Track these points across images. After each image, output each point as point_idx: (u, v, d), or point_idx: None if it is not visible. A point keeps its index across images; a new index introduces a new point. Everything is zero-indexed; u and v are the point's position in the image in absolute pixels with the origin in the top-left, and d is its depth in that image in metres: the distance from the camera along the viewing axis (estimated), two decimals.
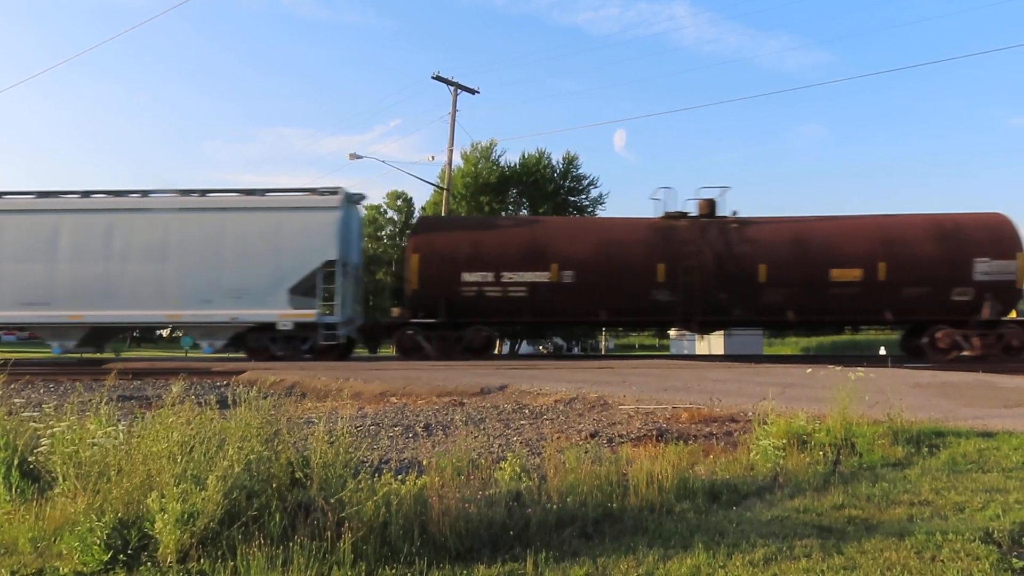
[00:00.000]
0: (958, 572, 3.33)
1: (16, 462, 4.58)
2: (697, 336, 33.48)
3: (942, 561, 3.48)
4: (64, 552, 3.66)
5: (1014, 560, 3.50)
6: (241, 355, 19.00)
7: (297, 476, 4.08)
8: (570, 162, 38.54)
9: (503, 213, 38.47)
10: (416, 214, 48.93)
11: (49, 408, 4.95)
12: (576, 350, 43.84)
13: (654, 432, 7.08)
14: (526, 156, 38.06)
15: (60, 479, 4.15)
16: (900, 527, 3.99)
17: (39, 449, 4.51)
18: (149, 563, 3.53)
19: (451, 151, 31.24)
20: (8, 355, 18.74)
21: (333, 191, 18.61)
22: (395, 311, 19.22)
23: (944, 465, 5.45)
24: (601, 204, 39.11)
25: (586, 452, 4.97)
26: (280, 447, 4.23)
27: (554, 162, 38.36)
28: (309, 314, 17.72)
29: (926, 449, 5.93)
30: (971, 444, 6.06)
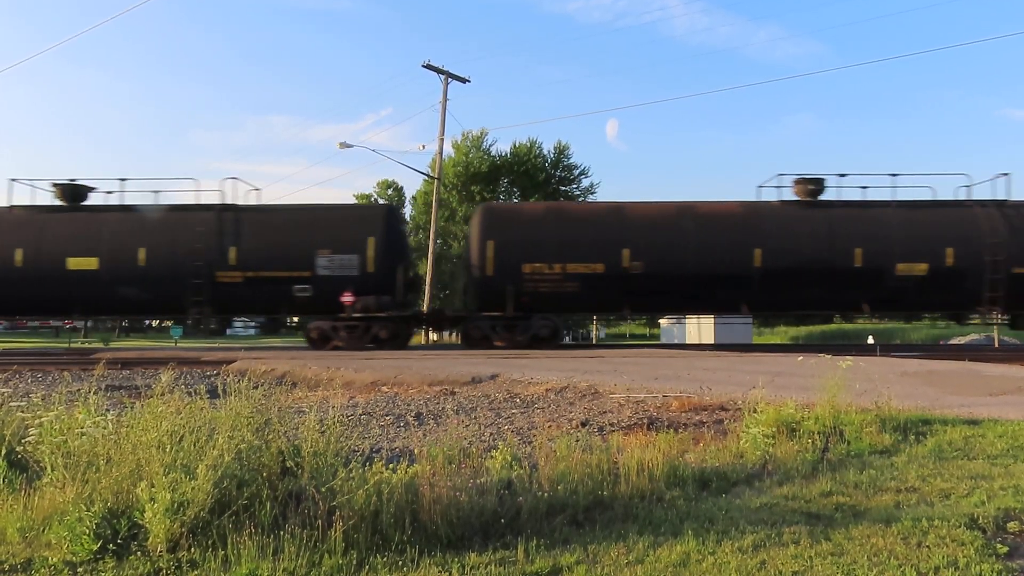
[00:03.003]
0: (943, 558, 3.37)
1: (3, 452, 4.55)
2: (688, 324, 33.68)
3: (928, 547, 3.52)
4: (53, 542, 3.64)
5: (998, 546, 3.54)
6: (231, 344, 18.99)
7: (288, 465, 4.07)
8: (561, 152, 38.53)
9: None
10: (407, 203, 48.75)
11: (37, 398, 4.92)
12: (567, 339, 43.94)
13: (644, 421, 7.12)
14: (517, 145, 38.04)
15: (48, 469, 4.12)
16: (887, 514, 4.03)
17: (27, 439, 4.48)
18: (139, 552, 3.52)
19: (442, 140, 31.10)
20: None
21: None
22: None
23: (930, 452, 5.51)
24: (592, 193, 39.14)
25: (577, 441, 4.98)
26: (271, 436, 4.22)
27: (545, 151, 38.33)
28: None
29: (913, 437, 5.99)
30: (957, 432, 6.12)
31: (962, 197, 18.29)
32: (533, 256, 17.57)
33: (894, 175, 18.13)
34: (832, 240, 17.64)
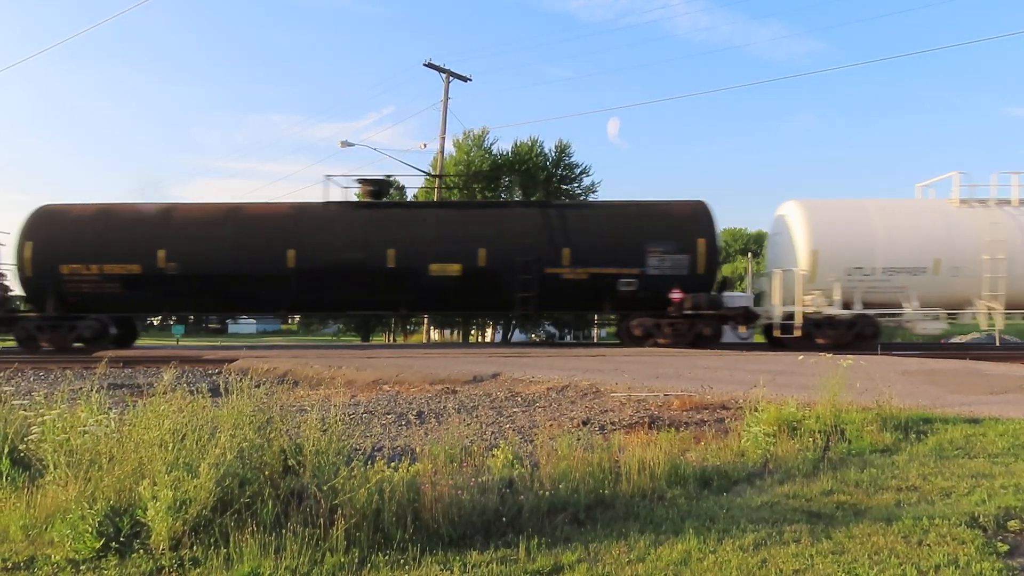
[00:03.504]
0: (944, 556, 3.38)
1: (6, 450, 4.56)
2: None
3: (928, 546, 3.52)
4: (56, 540, 3.65)
5: (999, 544, 3.55)
6: (232, 343, 19.13)
7: (290, 464, 4.08)
8: (562, 150, 38.46)
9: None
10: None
11: (39, 396, 4.93)
12: (568, 338, 43.95)
13: (646, 419, 7.12)
14: (518, 144, 37.95)
15: (51, 467, 4.13)
16: (888, 512, 4.03)
17: (30, 437, 4.50)
18: (141, 550, 3.53)
19: (443, 139, 31.10)
20: None
21: None
22: None
23: (931, 451, 5.51)
24: (593, 192, 39.10)
25: (578, 439, 4.99)
26: (272, 435, 4.23)
27: (546, 150, 38.29)
28: None
29: (914, 435, 5.99)
30: (958, 430, 6.12)
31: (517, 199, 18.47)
32: (72, 257, 17.80)
33: (435, 175, 18.39)
34: (367, 241, 17.80)
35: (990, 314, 16.96)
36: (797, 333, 16.83)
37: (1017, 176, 17.44)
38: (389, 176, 18.67)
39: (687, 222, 18.01)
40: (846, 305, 17.08)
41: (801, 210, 17.69)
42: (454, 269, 17.49)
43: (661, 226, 17.90)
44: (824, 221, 17.39)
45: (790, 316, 16.97)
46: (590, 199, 36.49)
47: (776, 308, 17.29)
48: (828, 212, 17.85)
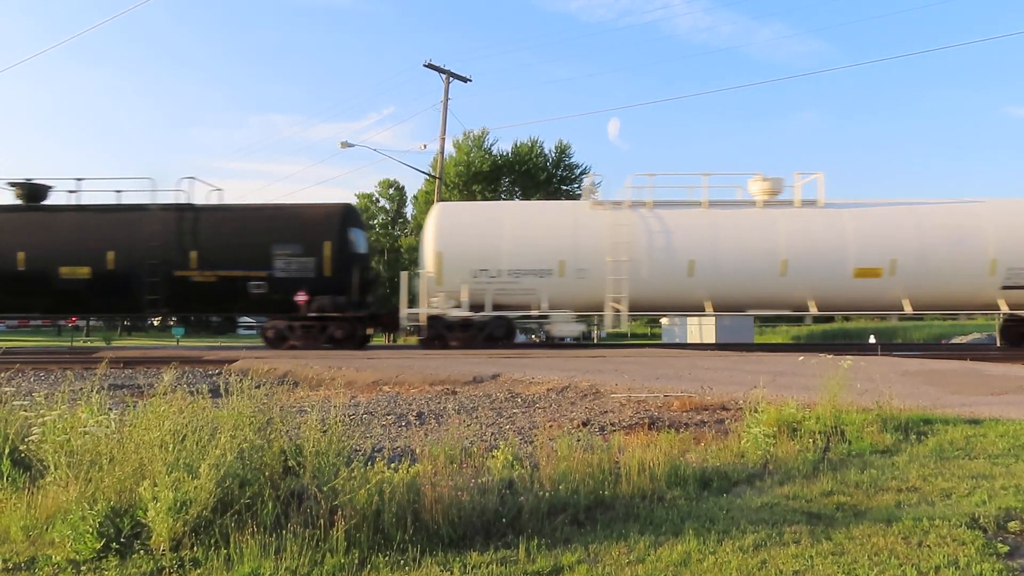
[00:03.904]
0: (944, 557, 3.38)
1: (7, 451, 4.56)
2: (689, 324, 33.66)
3: (928, 546, 3.52)
4: (56, 540, 3.66)
5: (999, 545, 3.55)
6: (233, 343, 19.17)
7: (290, 464, 4.09)
8: (562, 151, 38.57)
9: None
10: (408, 203, 48.85)
11: (40, 397, 4.93)
12: (568, 339, 43.83)
13: (646, 420, 7.12)
14: (518, 145, 38.06)
15: (52, 468, 4.14)
16: (888, 513, 4.03)
17: (30, 438, 4.50)
18: (142, 551, 3.53)
19: (443, 140, 31.11)
20: None
21: None
22: None
23: (931, 452, 5.51)
24: (593, 193, 39.13)
25: (578, 440, 4.99)
26: (273, 436, 4.23)
27: (546, 151, 38.37)
28: None
29: (914, 436, 5.99)
30: (958, 431, 6.12)
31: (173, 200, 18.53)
32: None
33: (79, 179, 18.60)
34: None
35: (618, 316, 16.99)
36: (423, 335, 17.16)
37: (653, 178, 17.76)
38: (30, 179, 18.66)
39: (316, 225, 18.25)
40: (478, 307, 17.16)
41: (435, 213, 18.02)
42: (83, 272, 17.86)
43: (290, 229, 18.14)
44: (452, 224, 17.60)
45: (418, 317, 17.20)
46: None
47: (403, 310, 17.61)
48: (459, 215, 18.20)
